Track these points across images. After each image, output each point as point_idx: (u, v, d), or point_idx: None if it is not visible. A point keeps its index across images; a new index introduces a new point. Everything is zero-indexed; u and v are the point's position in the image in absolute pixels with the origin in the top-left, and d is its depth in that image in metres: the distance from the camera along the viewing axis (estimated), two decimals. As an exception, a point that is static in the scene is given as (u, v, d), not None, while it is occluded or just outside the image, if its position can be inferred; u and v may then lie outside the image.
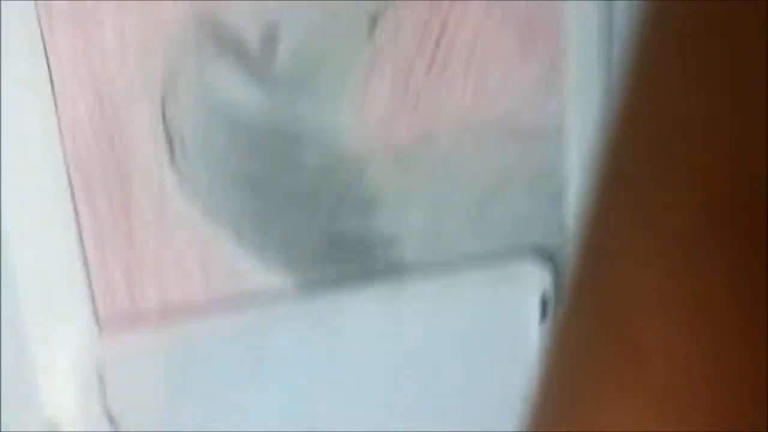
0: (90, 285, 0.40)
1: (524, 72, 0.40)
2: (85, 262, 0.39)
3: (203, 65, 0.38)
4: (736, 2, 0.14)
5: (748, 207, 0.14)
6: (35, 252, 0.39)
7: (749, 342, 0.14)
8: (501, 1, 0.39)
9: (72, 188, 0.38)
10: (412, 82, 0.40)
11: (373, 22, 0.39)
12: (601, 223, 0.17)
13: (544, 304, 0.43)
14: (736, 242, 0.14)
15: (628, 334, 0.15)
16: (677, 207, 0.15)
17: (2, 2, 0.35)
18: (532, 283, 0.43)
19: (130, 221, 0.39)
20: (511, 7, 0.39)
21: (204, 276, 0.41)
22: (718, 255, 0.14)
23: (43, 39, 0.36)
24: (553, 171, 0.42)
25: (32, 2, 0.36)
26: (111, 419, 0.41)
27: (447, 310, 0.44)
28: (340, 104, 0.39)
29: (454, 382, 0.44)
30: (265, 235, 0.41)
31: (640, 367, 0.15)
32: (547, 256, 0.43)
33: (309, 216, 0.41)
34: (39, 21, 0.36)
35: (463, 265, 0.43)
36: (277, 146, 0.40)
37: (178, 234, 0.40)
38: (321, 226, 0.41)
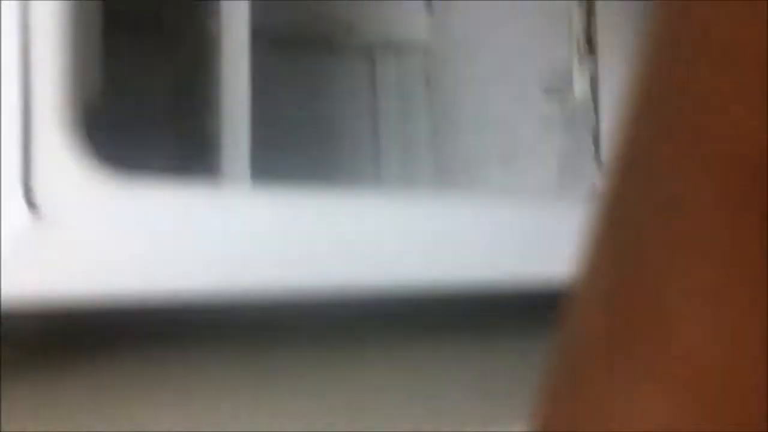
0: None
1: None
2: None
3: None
4: None
5: None
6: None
7: None
8: None
9: None
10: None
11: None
12: (626, 204, 0.16)
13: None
14: (763, 221, 0.14)
15: (656, 319, 0.15)
16: (704, 187, 0.14)
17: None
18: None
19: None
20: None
21: None
22: (745, 236, 0.14)
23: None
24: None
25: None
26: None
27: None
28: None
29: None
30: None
31: (668, 350, 0.15)
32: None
33: None
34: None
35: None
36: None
37: None
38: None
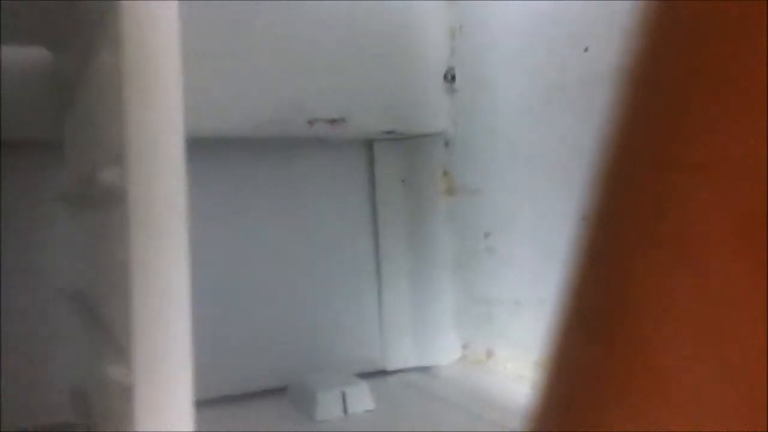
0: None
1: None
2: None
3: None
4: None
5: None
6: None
7: (764, 351, 0.13)
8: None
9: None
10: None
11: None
12: (612, 230, 0.16)
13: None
14: (753, 250, 0.14)
15: (639, 343, 0.15)
16: (693, 215, 0.14)
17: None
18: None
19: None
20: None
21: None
22: (735, 262, 0.14)
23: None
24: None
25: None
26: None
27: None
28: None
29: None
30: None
31: (651, 376, 0.14)
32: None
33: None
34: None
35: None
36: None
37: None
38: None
